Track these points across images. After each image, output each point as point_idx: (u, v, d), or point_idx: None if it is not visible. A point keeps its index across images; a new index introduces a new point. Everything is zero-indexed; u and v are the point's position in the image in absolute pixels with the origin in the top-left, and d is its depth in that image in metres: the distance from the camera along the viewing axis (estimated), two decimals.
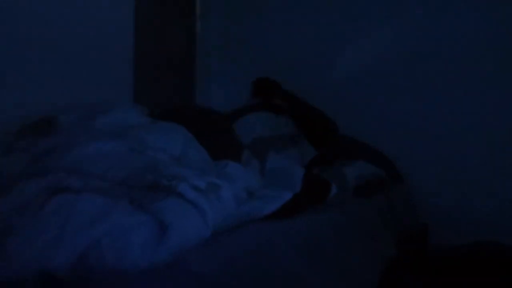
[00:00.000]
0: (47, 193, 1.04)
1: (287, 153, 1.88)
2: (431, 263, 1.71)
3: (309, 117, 2.20)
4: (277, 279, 1.20)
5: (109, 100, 2.24)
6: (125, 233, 0.93)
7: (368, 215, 1.80)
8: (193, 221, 1.01)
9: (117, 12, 2.45)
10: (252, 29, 2.86)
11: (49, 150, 1.30)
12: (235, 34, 2.93)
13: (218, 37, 2.98)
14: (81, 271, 0.89)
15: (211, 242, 1.10)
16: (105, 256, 0.90)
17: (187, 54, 2.96)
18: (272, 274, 1.19)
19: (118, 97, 2.45)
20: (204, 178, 1.14)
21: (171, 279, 0.96)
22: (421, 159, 2.30)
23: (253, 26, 2.85)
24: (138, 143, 1.31)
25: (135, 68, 2.57)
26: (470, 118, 2.21)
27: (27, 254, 0.89)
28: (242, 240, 1.18)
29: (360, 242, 1.63)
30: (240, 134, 1.80)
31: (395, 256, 1.77)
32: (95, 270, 0.90)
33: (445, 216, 2.23)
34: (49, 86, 2.09)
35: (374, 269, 1.64)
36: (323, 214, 1.56)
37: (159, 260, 0.93)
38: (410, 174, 2.26)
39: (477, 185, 2.19)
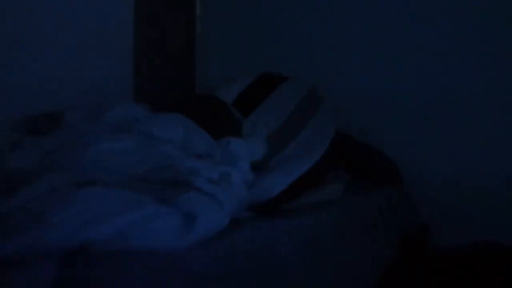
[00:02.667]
0: (75, 185, 1.09)
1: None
2: (431, 263, 1.71)
3: None
4: (277, 278, 1.20)
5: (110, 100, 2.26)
6: (155, 221, 1.00)
7: (369, 215, 1.80)
8: (214, 212, 1.09)
9: (117, 13, 2.45)
10: (253, 29, 2.86)
11: (61, 147, 1.35)
12: (235, 34, 2.93)
13: (218, 37, 2.98)
14: (117, 247, 0.97)
15: (212, 241, 1.11)
16: (137, 239, 0.98)
17: (187, 54, 2.96)
18: (272, 274, 1.19)
19: (118, 98, 2.45)
20: (215, 168, 1.21)
21: (172, 278, 0.96)
22: (421, 159, 2.30)
23: (253, 26, 2.85)
24: (146, 137, 1.37)
25: (135, 68, 2.57)
26: (470, 118, 2.21)
27: (67, 226, 0.95)
28: (242, 239, 1.19)
29: (360, 242, 1.63)
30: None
31: (395, 256, 1.77)
32: (131, 248, 0.97)
33: (445, 216, 2.23)
34: (49, 81, 2.09)
35: (374, 269, 1.64)
36: (323, 214, 1.56)
37: (185, 246, 1.01)
38: (410, 174, 2.26)
39: (477, 185, 2.19)
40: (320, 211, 1.57)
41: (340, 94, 2.48)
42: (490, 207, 2.15)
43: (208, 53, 2.99)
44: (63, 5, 2.17)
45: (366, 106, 2.43)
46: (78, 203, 1.02)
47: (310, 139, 1.74)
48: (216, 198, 1.11)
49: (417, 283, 1.66)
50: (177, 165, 1.20)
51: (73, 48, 2.20)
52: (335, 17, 2.58)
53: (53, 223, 0.96)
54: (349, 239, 1.57)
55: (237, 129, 1.63)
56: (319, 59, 2.61)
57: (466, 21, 2.22)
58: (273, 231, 1.29)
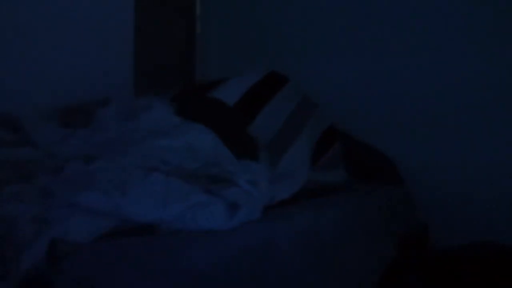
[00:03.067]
0: (143, 168, 1.30)
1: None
2: (431, 263, 1.71)
3: None
4: (276, 278, 1.20)
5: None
6: (208, 207, 1.21)
7: (369, 215, 1.80)
8: (252, 205, 1.30)
9: (117, 13, 2.46)
10: (252, 29, 2.86)
11: (113, 140, 1.59)
12: (235, 34, 2.93)
13: (218, 37, 2.98)
14: (178, 228, 1.16)
15: (211, 242, 1.11)
16: (198, 219, 1.18)
17: (187, 54, 2.97)
18: (271, 274, 1.19)
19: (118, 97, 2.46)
20: (248, 175, 1.41)
21: (172, 279, 0.96)
22: (421, 160, 2.30)
23: (253, 26, 2.86)
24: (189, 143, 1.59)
25: (135, 68, 2.57)
26: (470, 119, 2.21)
27: (144, 204, 1.15)
28: (242, 239, 1.19)
29: (360, 242, 1.63)
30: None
31: (395, 256, 1.77)
32: (188, 229, 1.16)
33: (445, 216, 2.23)
34: (50, 80, 2.12)
35: (374, 269, 1.64)
36: (323, 214, 1.56)
37: (233, 227, 1.21)
38: (410, 175, 2.26)
39: (477, 185, 2.18)
40: (319, 211, 1.57)
41: (341, 95, 2.48)
42: (490, 207, 2.16)
43: (208, 53, 2.99)
44: (63, 5, 2.18)
45: (366, 106, 2.43)
46: (150, 184, 1.22)
47: (299, 155, 1.93)
48: (253, 195, 1.34)
49: (417, 283, 1.66)
50: (221, 164, 1.44)
51: (73, 49, 2.21)
52: (335, 17, 2.58)
53: (134, 197, 1.15)
54: (349, 239, 1.57)
55: (255, 153, 1.77)
56: (319, 59, 2.61)
57: (466, 19, 2.22)
58: (272, 231, 1.30)
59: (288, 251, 1.28)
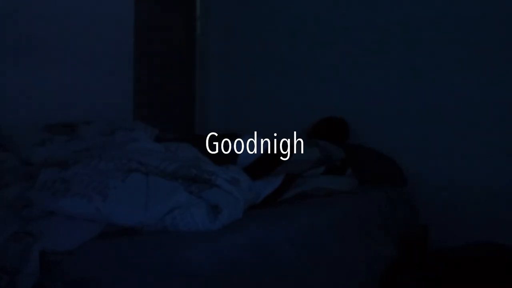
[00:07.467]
0: (122, 170, 1.28)
1: None
2: (431, 263, 1.71)
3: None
4: (276, 278, 1.20)
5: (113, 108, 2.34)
6: (189, 208, 1.20)
7: (369, 215, 1.80)
8: (233, 205, 1.29)
9: (117, 13, 2.46)
10: (252, 29, 2.86)
11: (94, 146, 1.62)
12: (235, 35, 2.93)
13: (218, 37, 2.98)
14: (160, 229, 1.16)
15: (209, 242, 1.11)
16: (178, 223, 1.17)
17: (187, 54, 2.97)
18: (271, 274, 1.19)
19: (117, 94, 2.46)
20: (228, 173, 1.39)
21: (172, 280, 0.96)
22: (422, 161, 2.30)
23: (253, 26, 2.86)
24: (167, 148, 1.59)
25: (135, 68, 2.57)
26: (471, 121, 2.21)
27: (122, 212, 1.13)
28: (242, 240, 1.19)
29: (360, 242, 1.63)
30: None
31: (395, 257, 1.77)
32: (170, 229, 1.16)
33: (445, 216, 2.23)
34: (50, 83, 2.12)
35: (374, 269, 1.64)
36: (323, 214, 1.56)
37: (214, 229, 1.20)
38: (410, 176, 2.26)
39: (477, 186, 2.19)
40: (319, 211, 1.57)
41: (349, 102, 2.50)
42: (490, 208, 2.16)
43: (208, 54, 3.00)
44: (63, 6, 2.18)
45: (372, 116, 2.45)
46: (131, 186, 1.20)
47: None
48: (233, 195, 1.31)
49: (417, 283, 1.67)
50: (201, 165, 1.40)
51: (72, 50, 2.21)
52: (329, 17, 2.59)
53: (114, 200, 1.12)
54: (349, 239, 1.57)
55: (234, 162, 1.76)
56: (324, 62, 2.62)
57: (464, 29, 2.23)
58: (272, 232, 1.30)
59: (288, 251, 1.28)
